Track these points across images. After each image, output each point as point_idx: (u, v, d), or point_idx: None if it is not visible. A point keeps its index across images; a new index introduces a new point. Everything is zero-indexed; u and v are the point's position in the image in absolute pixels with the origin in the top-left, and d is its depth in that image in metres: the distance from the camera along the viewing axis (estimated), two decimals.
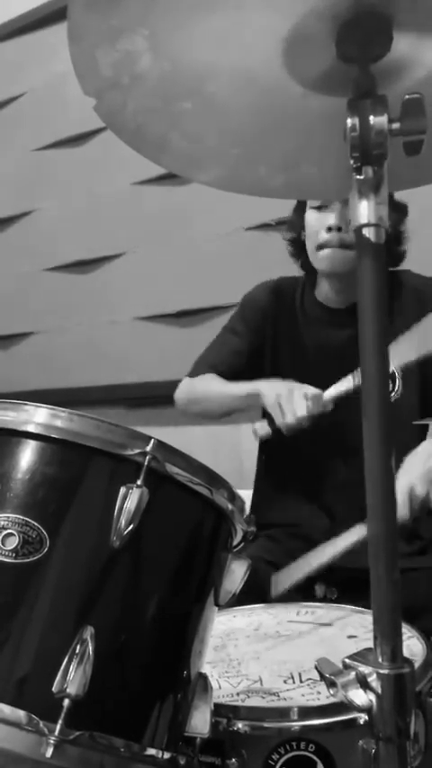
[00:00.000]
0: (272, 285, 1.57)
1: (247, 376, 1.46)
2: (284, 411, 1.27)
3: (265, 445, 1.56)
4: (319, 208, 1.40)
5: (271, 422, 1.31)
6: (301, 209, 1.47)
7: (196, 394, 1.53)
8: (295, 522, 1.46)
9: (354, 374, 1.27)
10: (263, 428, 1.33)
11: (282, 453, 1.50)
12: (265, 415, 1.35)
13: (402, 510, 1.18)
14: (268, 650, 1.03)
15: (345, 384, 1.27)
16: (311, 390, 1.27)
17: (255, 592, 1.11)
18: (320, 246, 1.41)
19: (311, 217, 1.42)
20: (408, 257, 1.48)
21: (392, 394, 1.40)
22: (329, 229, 1.38)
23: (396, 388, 1.41)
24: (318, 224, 1.40)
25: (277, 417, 1.28)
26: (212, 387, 1.49)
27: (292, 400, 1.27)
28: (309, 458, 1.46)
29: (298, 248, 1.51)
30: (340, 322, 1.46)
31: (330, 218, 1.38)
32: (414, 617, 1.02)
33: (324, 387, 1.28)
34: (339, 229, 1.37)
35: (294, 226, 1.51)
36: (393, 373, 1.41)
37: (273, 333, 1.52)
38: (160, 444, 0.75)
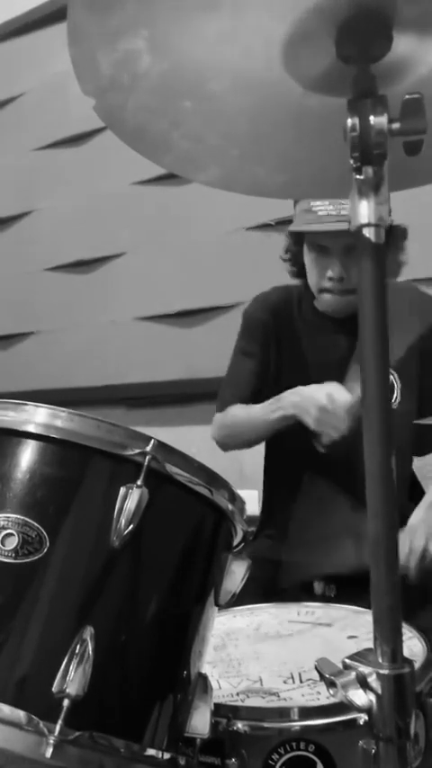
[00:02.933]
0: (268, 298, 1.56)
1: (268, 392, 1.46)
2: (335, 429, 1.25)
3: (272, 449, 1.57)
4: (318, 254, 1.39)
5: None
6: (297, 241, 1.46)
7: (232, 429, 1.51)
8: (300, 527, 1.46)
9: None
10: (325, 440, 1.31)
11: (290, 456, 1.50)
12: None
13: (414, 564, 1.20)
14: (268, 650, 1.03)
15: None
16: (342, 399, 1.26)
17: (256, 591, 1.12)
18: (322, 291, 1.41)
19: (311, 260, 1.42)
20: (408, 257, 1.48)
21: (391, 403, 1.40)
22: (330, 279, 1.38)
23: (395, 397, 1.41)
24: (318, 269, 1.40)
25: (326, 435, 1.27)
26: (244, 418, 1.47)
27: (335, 416, 1.25)
28: (316, 460, 1.46)
29: (297, 268, 1.50)
30: (341, 330, 1.45)
31: (329, 271, 1.37)
32: (409, 615, 1.02)
33: None
34: (341, 279, 1.37)
35: (292, 253, 1.49)
36: (393, 384, 1.41)
37: (276, 346, 1.52)
38: (160, 444, 0.75)
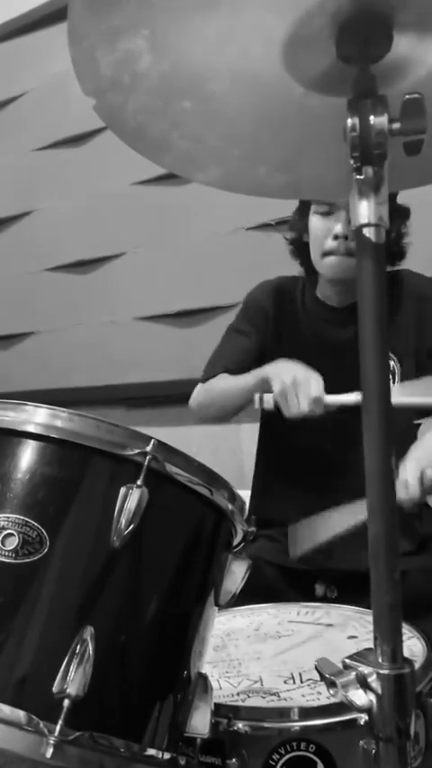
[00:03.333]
0: (272, 285, 1.57)
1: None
2: (289, 404, 1.26)
3: (264, 442, 1.56)
4: (324, 213, 1.40)
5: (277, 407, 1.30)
6: (303, 211, 1.47)
7: (210, 396, 1.51)
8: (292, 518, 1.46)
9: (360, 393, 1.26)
10: (268, 402, 1.31)
11: (281, 450, 1.50)
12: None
13: (414, 490, 1.18)
14: (269, 650, 1.03)
15: (348, 398, 1.27)
16: (313, 392, 1.27)
17: (256, 591, 1.11)
18: (326, 254, 1.40)
19: (316, 223, 1.42)
20: (408, 257, 1.48)
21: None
22: (336, 237, 1.37)
23: (395, 382, 1.41)
24: (323, 230, 1.40)
25: (282, 406, 1.27)
26: (223, 385, 1.48)
27: (297, 396, 1.26)
28: (309, 454, 1.46)
29: (299, 249, 1.51)
30: (341, 320, 1.46)
31: (337, 226, 1.37)
32: (411, 617, 1.02)
33: (325, 384, 1.28)
34: (346, 237, 1.36)
35: (296, 227, 1.50)
36: (393, 369, 1.41)
37: (274, 331, 1.52)
38: (160, 444, 0.75)
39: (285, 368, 1.32)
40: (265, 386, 1.34)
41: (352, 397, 1.25)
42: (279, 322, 1.52)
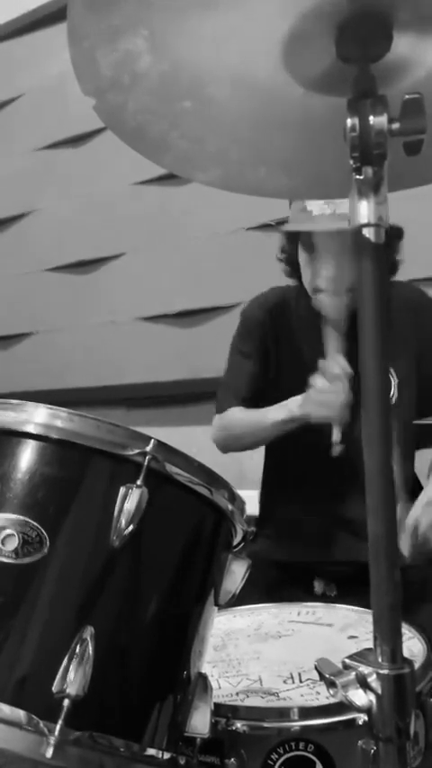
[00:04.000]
0: (265, 299, 1.56)
1: (268, 394, 1.46)
2: (331, 406, 1.28)
3: (272, 449, 1.57)
4: (312, 248, 1.38)
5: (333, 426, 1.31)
6: (292, 241, 1.46)
7: (232, 432, 1.51)
8: (297, 525, 1.46)
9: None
10: (336, 434, 1.32)
11: (288, 450, 1.50)
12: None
13: (403, 548, 1.19)
14: (268, 650, 1.03)
15: (334, 344, 1.29)
16: (322, 382, 1.28)
17: (255, 587, 1.12)
18: (316, 291, 1.40)
19: (305, 260, 1.41)
20: (408, 257, 1.48)
21: None
22: (325, 279, 1.37)
23: (391, 392, 1.41)
24: (312, 269, 1.39)
25: (333, 413, 1.29)
26: (245, 421, 1.47)
27: (328, 396, 1.27)
28: (316, 452, 1.46)
29: (293, 269, 1.49)
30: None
31: (325, 269, 1.36)
32: (407, 611, 1.02)
33: None
34: (335, 279, 1.36)
35: (288, 252, 1.49)
36: (390, 380, 1.41)
37: (274, 346, 1.51)
38: (160, 444, 0.75)
39: (305, 396, 1.33)
40: (294, 423, 1.36)
41: (335, 343, 1.30)
42: (276, 334, 1.51)
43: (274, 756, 0.80)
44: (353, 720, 0.79)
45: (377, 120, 0.59)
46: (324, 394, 1.28)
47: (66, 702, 0.65)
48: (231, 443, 1.54)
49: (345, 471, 1.41)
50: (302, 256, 1.42)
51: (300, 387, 1.36)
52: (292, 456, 1.50)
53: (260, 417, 1.43)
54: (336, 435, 1.32)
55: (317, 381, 1.30)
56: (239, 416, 1.48)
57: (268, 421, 1.41)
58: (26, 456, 0.76)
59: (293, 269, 1.49)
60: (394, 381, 1.41)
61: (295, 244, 1.45)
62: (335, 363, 1.30)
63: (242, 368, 1.54)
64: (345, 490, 1.42)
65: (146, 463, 0.74)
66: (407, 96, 0.60)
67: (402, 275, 1.50)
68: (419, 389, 1.45)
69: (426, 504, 1.27)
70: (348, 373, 1.28)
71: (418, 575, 1.24)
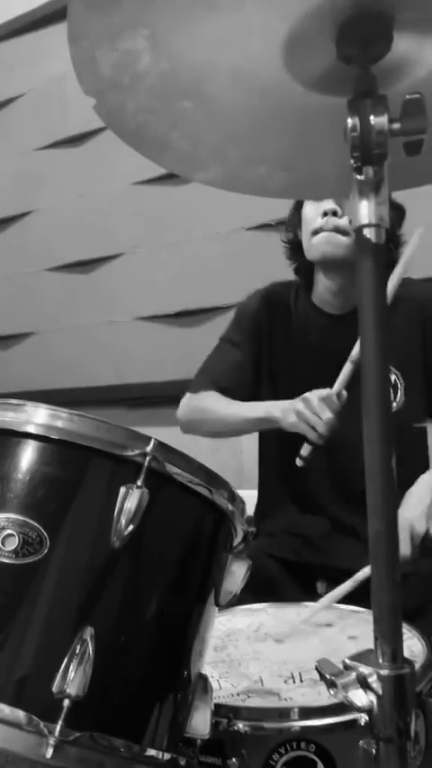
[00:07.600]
0: (264, 292, 1.55)
1: (251, 388, 1.45)
2: (313, 423, 1.25)
3: (266, 451, 1.56)
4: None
5: (307, 441, 1.30)
6: (298, 206, 1.46)
7: (202, 414, 1.48)
8: (297, 526, 1.46)
9: (349, 359, 1.28)
10: (306, 450, 1.31)
11: (282, 453, 1.50)
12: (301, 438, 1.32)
13: (404, 549, 1.17)
14: (269, 650, 1.03)
15: (345, 371, 1.27)
16: (321, 393, 1.26)
17: (257, 585, 1.11)
18: (315, 232, 1.38)
19: (308, 208, 1.41)
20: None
21: (393, 404, 1.37)
22: (325, 214, 1.36)
23: (397, 397, 1.40)
24: (314, 212, 1.39)
25: (308, 433, 1.26)
26: (219, 407, 1.45)
27: (313, 410, 1.25)
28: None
29: (295, 249, 1.49)
30: (338, 330, 1.42)
31: (327, 204, 1.36)
32: (410, 618, 1.02)
33: None
34: (335, 213, 1.35)
35: (291, 224, 1.49)
36: (396, 383, 1.40)
37: (268, 341, 1.50)
38: (160, 445, 0.75)
39: (283, 402, 1.32)
40: (268, 424, 1.35)
41: (347, 369, 1.27)
42: (272, 330, 1.50)
43: (275, 757, 0.80)
44: (354, 721, 0.79)
45: (378, 120, 0.59)
46: (310, 411, 1.26)
47: (66, 703, 0.65)
48: (196, 427, 1.52)
49: (341, 474, 1.40)
50: (307, 207, 1.41)
51: (292, 382, 1.35)
52: (285, 461, 1.50)
53: (234, 409, 1.42)
54: (305, 450, 1.31)
55: (311, 396, 1.27)
56: (212, 401, 1.46)
57: (241, 414, 1.40)
58: (26, 456, 0.75)
59: (295, 250, 1.48)
60: (401, 385, 1.40)
61: (300, 206, 1.44)
62: (334, 390, 1.28)
63: (227, 355, 1.52)
64: (339, 496, 1.41)
65: (146, 463, 0.74)
66: (407, 96, 0.60)
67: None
68: (428, 390, 1.43)
69: (414, 500, 1.27)
70: (343, 397, 1.27)
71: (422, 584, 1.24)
